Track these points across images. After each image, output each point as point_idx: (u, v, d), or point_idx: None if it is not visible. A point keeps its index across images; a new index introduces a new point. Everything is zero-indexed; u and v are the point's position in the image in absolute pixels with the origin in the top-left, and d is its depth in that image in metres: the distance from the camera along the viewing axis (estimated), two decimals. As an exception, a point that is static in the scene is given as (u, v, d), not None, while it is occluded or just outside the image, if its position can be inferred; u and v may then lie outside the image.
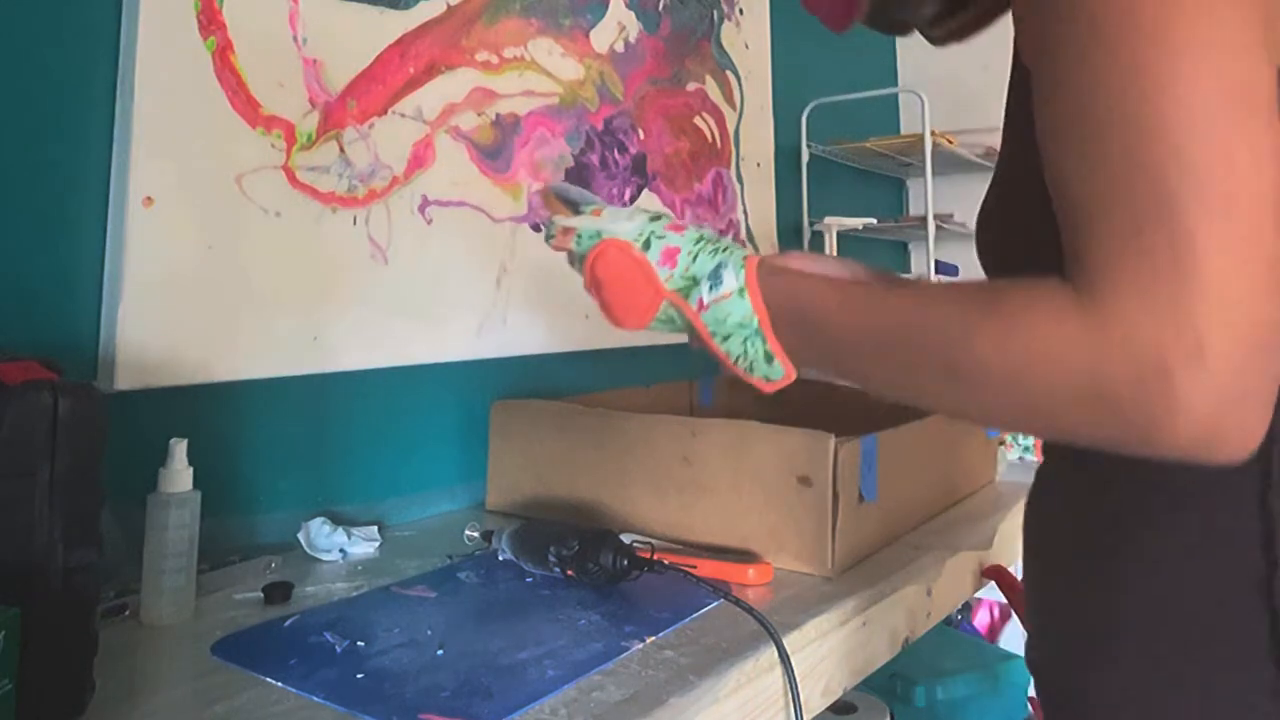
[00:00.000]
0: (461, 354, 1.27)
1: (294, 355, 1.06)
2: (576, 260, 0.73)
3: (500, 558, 0.95)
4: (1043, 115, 0.47)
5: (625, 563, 0.85)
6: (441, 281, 1.24)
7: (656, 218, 0.70)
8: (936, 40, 0.72)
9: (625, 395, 1.37)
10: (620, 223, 0.69)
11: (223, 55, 0.99)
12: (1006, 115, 0.58)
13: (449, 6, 1.26)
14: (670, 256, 0.66)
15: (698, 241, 0.66)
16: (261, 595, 0.85)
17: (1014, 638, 2.50)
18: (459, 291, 1.27)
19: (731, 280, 0.62)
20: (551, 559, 0.88)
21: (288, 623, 0.78)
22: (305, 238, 1.07)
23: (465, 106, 1.28)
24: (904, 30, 0.73)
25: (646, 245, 0.67)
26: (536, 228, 1.39)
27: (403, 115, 1.19)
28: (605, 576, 0.85)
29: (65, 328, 0.89)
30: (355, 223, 1.13)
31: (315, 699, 0.64)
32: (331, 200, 1.10)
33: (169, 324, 0.94)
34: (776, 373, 0.62)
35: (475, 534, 1.02)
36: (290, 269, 1.06)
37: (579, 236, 0.71)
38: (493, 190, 1.32)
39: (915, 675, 1.55)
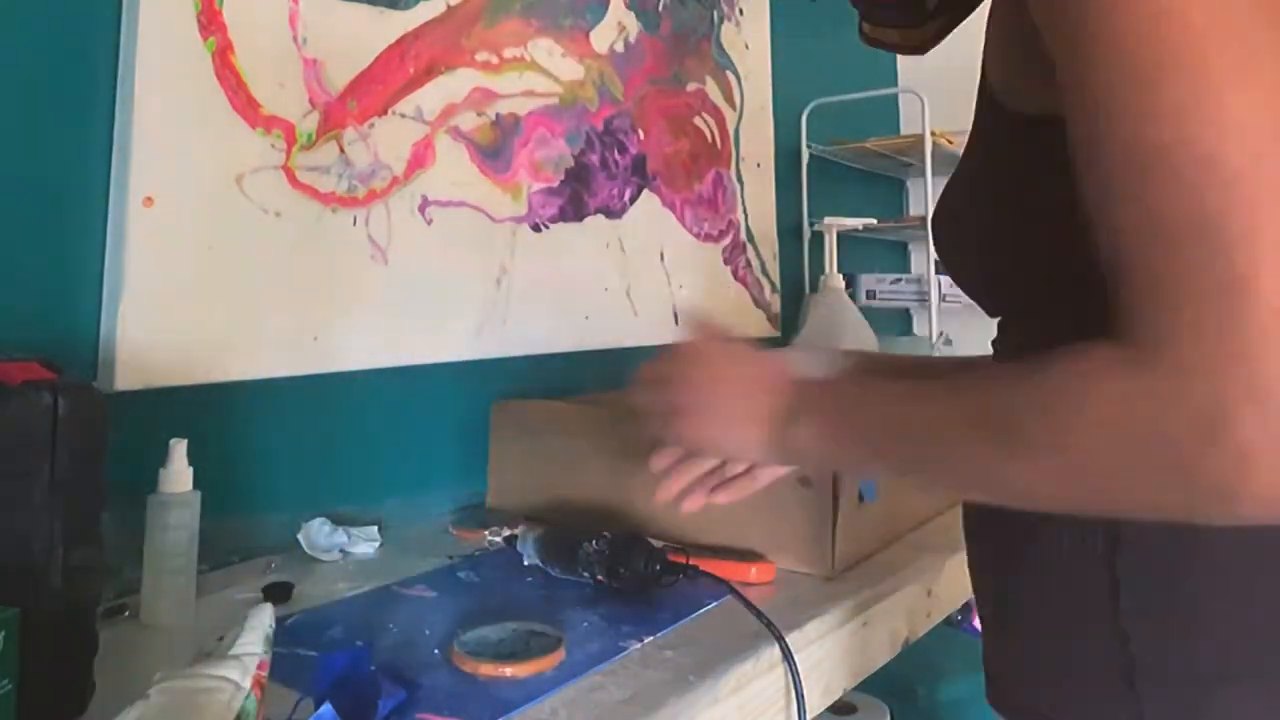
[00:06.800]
0: (461, 354, 1.27)
1: (294, 355, 1.06)
2: None
3: (525, 562, 0.94)
4: (1081, 157, 0.46)
5: (657, 568, 0.85)
6: (441, 281, 1.24)
7: None
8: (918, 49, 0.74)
9: (625, 396, 1.37)
10: None
11: (223, 55, 0.99)
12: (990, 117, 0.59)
13: (449, 6, 1.26)
14: None
15: None
16: (261, 595, 0.85)
17: (1014, 638, 2.50)
18: (459, 291, 1.27)
19: None
20: (582, 570, 0.87)
21: (288, 622, 0.78)
22: (305, 238, 1.07)
23: (465, 106, 1.28)
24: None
25: None
26: (536, 228, 1.39)
27: (403, 115, 1.19)
28: (638, 582, 0.84)
29: (65, 328, 0.89)
30: (355, 223, 1.13)
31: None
32: (331, 200, 1.10)
33: (169, 324, 0.94)
34: None
35: (498, 538, 1.00)
36: (290, 269, 1.06)
37: None
38: (493, 190, 1.32)
39: (915, 675, 1.55)
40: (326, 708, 0.56)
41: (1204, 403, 0.40)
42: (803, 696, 0.74)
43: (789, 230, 2.06)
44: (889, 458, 0.58)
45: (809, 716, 0.75)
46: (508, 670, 0.67)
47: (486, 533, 1.02)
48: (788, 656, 0.74)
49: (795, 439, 0.61)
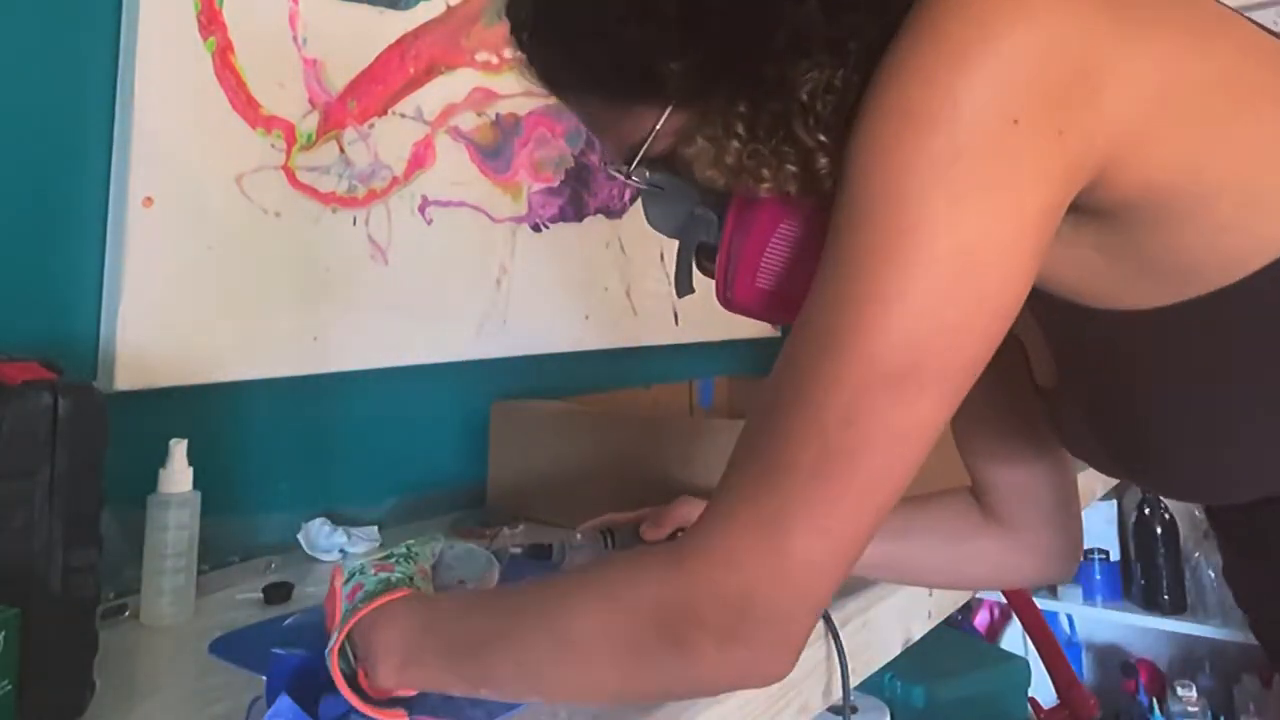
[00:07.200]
0: (461, 354, 1.26)
1: (294, 355, 1.06)
2: None
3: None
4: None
5: None
6: (441, 281, 1.24)
7: (391, 557, 0.68)
8: None
9: (625, 395, 1.37)
10: (361, 559, 0.68)
11: (223, 55, 0.99)
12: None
13: (449, 6, 1.26)
14: (353, 593, 0.63)
15: (378, 583, 0.62)
16: (261, 595, 0.85)
17: (1014, 638, 2.50)
18: (459, 291, 1.27)
19: (332, 639, 0.59)
20: None
21: (288, 622, 0.78)
22: (305, 238, 1.07)
23: (465, 106, 1.28)
24: None
25: (349, 579, 0.64)
26: (536, 228, 1.39)
27: (403, 115, 1.19)
28: None
29: (65, 328, 0.89)
30: (355, 223, 1.13)
31: (315, 699, 0.64)
32: (331, 200, 1.10)
33: (169, 324, 0.94)
34: None
35: (518, 549, 0.96)
36: (290, 269, 1.06)
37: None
38: (493, 190, 1.32)
39: (915, 675, 1.55)
40: (283, 699, 0.56)
41: (711, 596, 0.45)
42: (847, 671, 0.75)
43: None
44: (468, 673, 0.55)
45: (809, 717, 0.75)
46: None
47: (511, 547, 0.98)
48: (832, 630, 0.76)
49: (400, 677, 0.57)
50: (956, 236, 0.43)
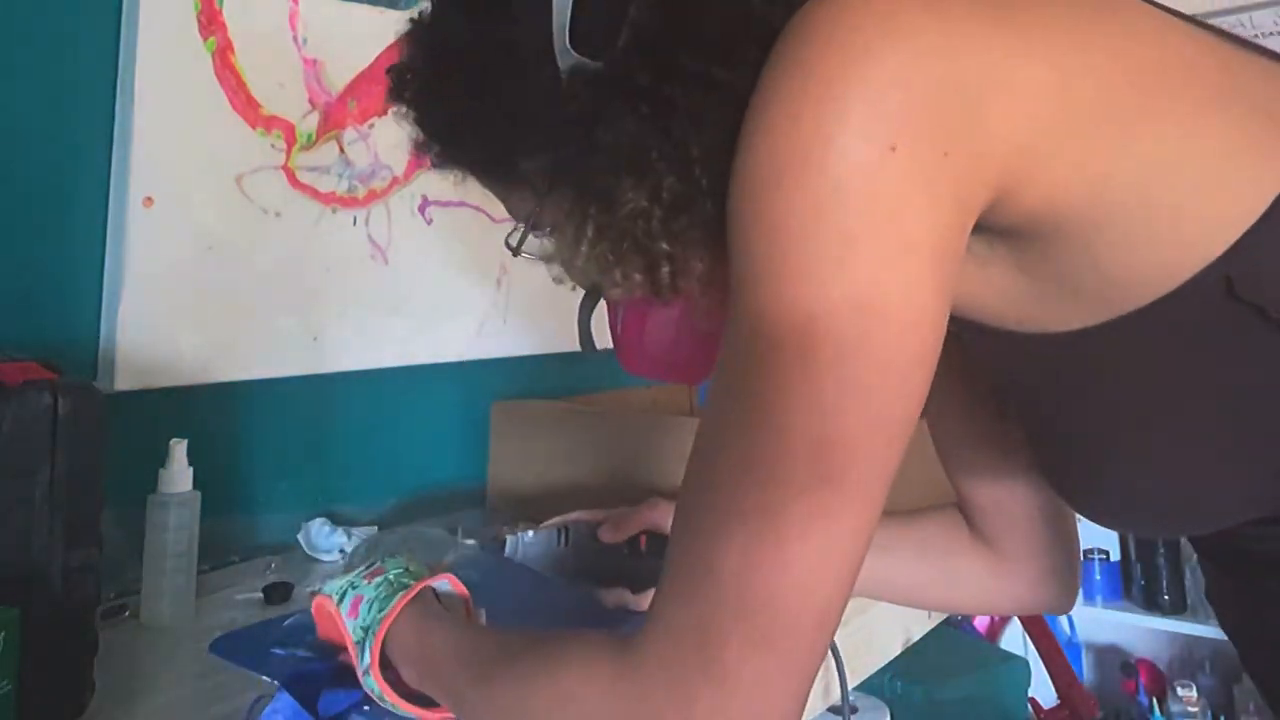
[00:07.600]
0: (461, 354, 1.26)
1: (294, 355, 1.06)
2: None
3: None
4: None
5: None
6: (441, 281, 1.24)
7: (375, 563, 0.68)
8: None
9: (625, 395, 1.37)
10: (337, 579, 0.68)
11: (223, 56, 0.99)
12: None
13: (449, 6, 1.26)
14: (355, 607, 0.63)
15: (379, 587, 0.63)
16: (261, 595, 0.85)
17: (1014, 638, 2.50)
18: (459, 291, 1.27)
19: (366, 655, 0.60)
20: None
21: (288, 622, 0.78)
22: (305, 238, 1.07)
23: (465, 106, 1.28)
24: None
25: (343, 598, 0.65)
26: (536, 228, 1.39)
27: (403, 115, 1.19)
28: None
29: (65, 328, 0.89)
30: (355, 223, 1.13)
31: (315, 699, 0.64)
32: (331, 200, 1.10)
33: (169, 324, 0.94)
34: None
35: (471, 542, 0.97)
36: (290, 269, 1.06)
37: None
38: (493, 190, 1.32)
39: (915, 675, 1.54)
40: (281, 695, 0.56)
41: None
42: (844, 671, 0.76)
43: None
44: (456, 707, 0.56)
45: (809, 718, 0.75)
46: None
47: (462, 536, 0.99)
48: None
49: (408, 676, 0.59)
50: (850, 284, 0.39)
